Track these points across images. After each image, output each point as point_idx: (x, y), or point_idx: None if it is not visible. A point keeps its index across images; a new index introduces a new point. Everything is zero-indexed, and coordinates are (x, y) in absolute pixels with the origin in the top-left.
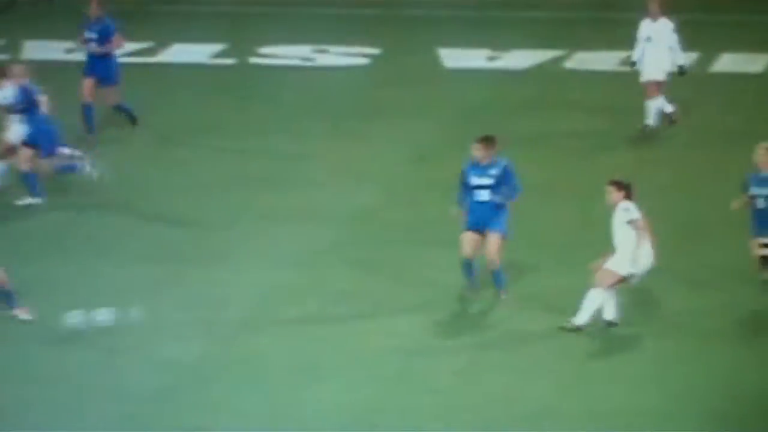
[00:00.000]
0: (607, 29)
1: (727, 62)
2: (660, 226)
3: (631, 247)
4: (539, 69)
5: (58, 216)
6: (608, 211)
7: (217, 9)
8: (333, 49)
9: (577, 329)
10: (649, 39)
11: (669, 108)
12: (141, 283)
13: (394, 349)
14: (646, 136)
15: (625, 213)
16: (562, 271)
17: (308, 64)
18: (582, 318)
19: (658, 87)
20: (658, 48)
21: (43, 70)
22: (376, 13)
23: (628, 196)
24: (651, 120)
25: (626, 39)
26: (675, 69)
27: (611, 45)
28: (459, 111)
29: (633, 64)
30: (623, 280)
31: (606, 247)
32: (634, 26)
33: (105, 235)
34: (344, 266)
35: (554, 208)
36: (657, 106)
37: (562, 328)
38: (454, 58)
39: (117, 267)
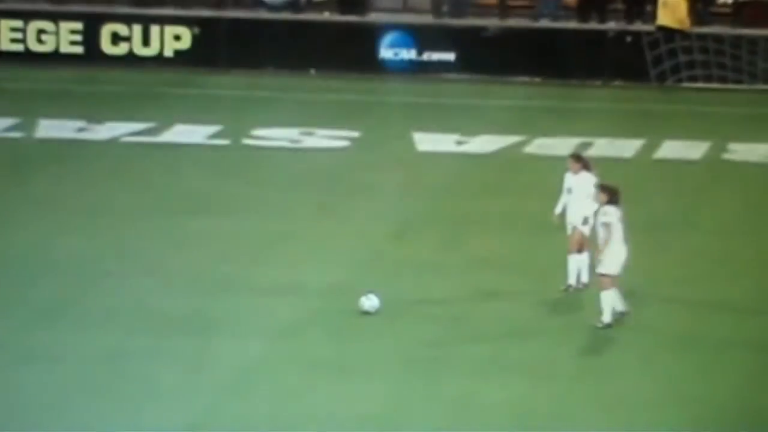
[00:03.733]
0: (564, 117)
1: (670, 149)
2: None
3: (602, 247)
4: (502, 153)
5: (47, 283)
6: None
7: (215, 93)
8: (318, 131)
9: (608, 326)
10: (570, 191)
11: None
12: (136, 351)
13: (370, 416)
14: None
15: (602, 216)
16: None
17: (295, 145)
18: (607, 317)
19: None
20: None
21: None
22: (358, 100)
23: (612, 201)
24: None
25: (582, 126)
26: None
27: (567, 132)
28: (431, 192)
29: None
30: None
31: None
32: (589, 114)
33: (109, 305)
34: (323, 336)
35: (512, 283)
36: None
37: (595, 327)
38: (427, 141)
39: (121, 336)
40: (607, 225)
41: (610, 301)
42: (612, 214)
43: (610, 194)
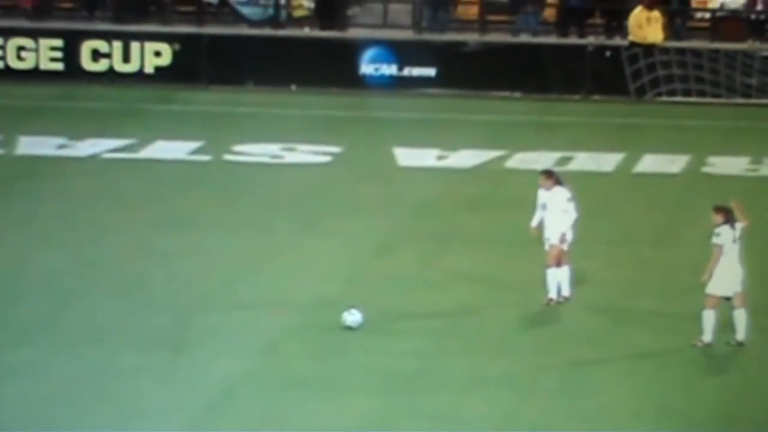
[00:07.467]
0: (545, 131)
1: (650, 163)
2: (590, 314)
3: (711, 268)
4: (483, 167)
5: (28, 300)
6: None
7: (196, 109)
8: (300, 147)
9: (707, 346)
10: (544, 207)
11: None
12: (118, 368)
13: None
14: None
15: (714, 237)
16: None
17: (277, 161)
18: (707, 336)
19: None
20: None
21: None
22: (339, 115)
23: (726, 222)
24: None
25: (562, 141)
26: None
27: (548, 146)
28: (412, 207)
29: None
30: (722, 299)
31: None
32: (569, 129)
33: (91, 322)
34: (306, 352)
35: (494, 297)
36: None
37: (694, 346)
38: (408, 156)
39: (103, 353)
40: (718, 246)
41: (712, 322)
42: (725, 234)
43: (725, 214)
